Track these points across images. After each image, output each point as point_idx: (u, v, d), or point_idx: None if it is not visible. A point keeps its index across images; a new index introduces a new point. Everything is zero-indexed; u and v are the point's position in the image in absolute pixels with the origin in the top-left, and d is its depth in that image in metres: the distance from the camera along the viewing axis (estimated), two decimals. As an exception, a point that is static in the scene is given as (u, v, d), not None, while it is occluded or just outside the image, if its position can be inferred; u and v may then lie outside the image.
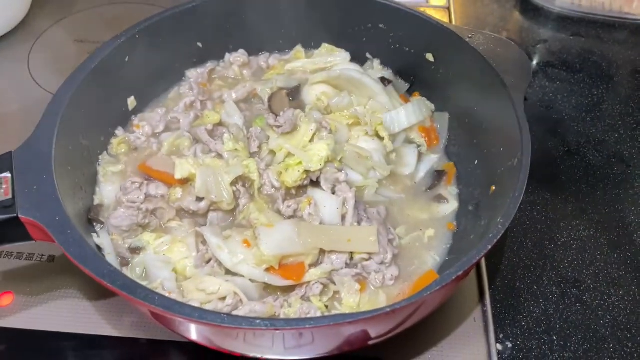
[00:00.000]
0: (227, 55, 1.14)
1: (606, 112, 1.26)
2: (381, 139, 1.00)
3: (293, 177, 0.90)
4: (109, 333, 0.89)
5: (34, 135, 0.83)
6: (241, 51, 1.15)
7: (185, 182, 0.91)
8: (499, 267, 0.98)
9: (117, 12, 1.48)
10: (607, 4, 1.51)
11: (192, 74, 1.11)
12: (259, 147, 0.99)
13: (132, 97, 1.04)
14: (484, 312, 0.91)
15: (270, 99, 1.03)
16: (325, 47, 1.15)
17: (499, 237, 0.71)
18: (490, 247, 0.70)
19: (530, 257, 1.00)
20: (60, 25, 1.45)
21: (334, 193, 0.91)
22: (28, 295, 0.92)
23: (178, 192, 0.91)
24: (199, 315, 0.64)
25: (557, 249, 1.01)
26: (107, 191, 0.94)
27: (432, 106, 1.07)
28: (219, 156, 0.95)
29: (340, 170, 0.93)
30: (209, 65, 1.14)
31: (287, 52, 1.18)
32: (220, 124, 1.03)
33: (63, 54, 1.37)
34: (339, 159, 0.95)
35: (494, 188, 0.89)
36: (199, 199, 0.88)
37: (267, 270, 0.81)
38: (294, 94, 1.05)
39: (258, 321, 0.63)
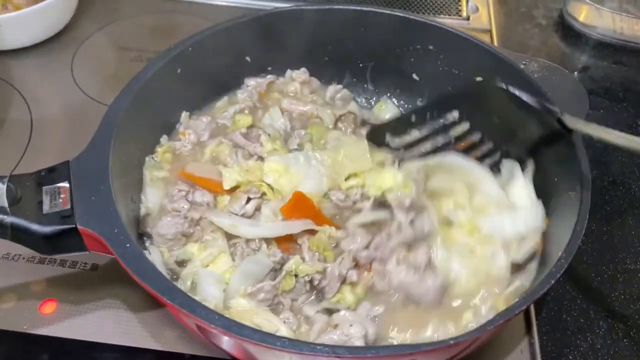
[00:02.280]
0: (289, 71, 1.15)
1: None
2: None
3: None
4: (151, 346, 0.88)
5: (90, 145, 0.83)
6: (303, 69, 1.14)
7: (233, 189, 0.91)
8: (545, 299, 0.96)
9: (161, 21, 1.49)
10: (650, 34, 1.51)
11: (252, 82, 1.12)
12: (299, 144, 1.00)
13: (185, 112, 1.05)
14: (531, 344, 0.90)
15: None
16: None
17: (561, 272, 0.70)
18: (553, 282, 0.69)
19: (576, 290, 0.99)
20: (104, 31, 1.46)
21: None
22: (71, 304, 0.92)
23: (225, 198, 0.91)
24: (260, 337, 0.63)
25: (603, 282, 1.00)
26: (152, 196, 0.93)
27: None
28: (260, 159, 0.96)
29: None
30: (270, 77, 1.14)
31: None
32: (253, 125, 1.03)
33: (106, 60, 1.38)
34: None
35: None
36: (247, 201, 0.89)
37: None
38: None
39: (319, 347, 0.62)
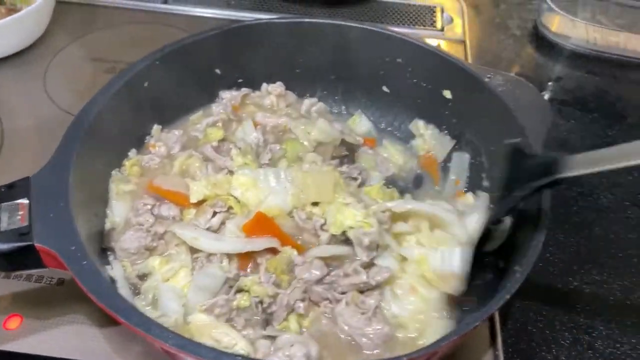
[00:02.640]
0: (265, 84, 1.15)
1: (620, 154, 1.26)
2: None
3: None
4: (115, 362, 0.88)
5: (52, 160, 0.83)
6: (279, 83, 1.15)
7: (199, 203, 0.91)
8: (510, 310, 0.97)
9: (135, 32, 1.49)
10: (622, 44, 1.52)
11: (226, 95, 1.12)
12: (271, 160, 1.00)
13: (157, 126, 1.05)
14: (496, 357, 0.90)
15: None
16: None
17: (517, 286, 0.71)
18: (508, 296, 0.70)
19: (542, 300, 0.99)
20: (78, 42, 1.45)
21: None
22: (36, 319, 0.91)
23: (190, 212, 0.91)
24: (215, 356, 0.63)
25: (569, 293, 1.01)
26: (118, 210, 0.93)
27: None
28: (230, 172, 0.95)
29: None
30: (244, 90, 1.14)
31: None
32: (224, 139, 1.03)
33: (80, 72, 1.38)
34: None
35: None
36: (213, 215, 0.89)
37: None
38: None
39: None
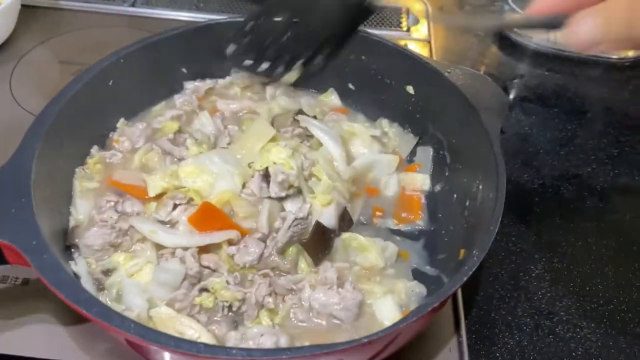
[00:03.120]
0: (229, 76, 1.17)
1: (579, 147, 1.30)
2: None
3: None
4: (82, 359, 0.87)
5: (13, 157, 0.83)
6: (244, 74, 1.16)
7: (159, 196, 0.92)
8: (474, 298, 0.99)
9: (102, 35, 1.49)
10: (581, 42, 1.57)
11: (190, 86, 1.13)
12: (229, 144, 1.01)
13: (122, 119, 1.05)
14: (460, 343, 0.92)
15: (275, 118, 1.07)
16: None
17: (473, 269, 0.73)
18: (465, 279, 0.71)
19: (505, 288, 1.02)
20: (44, 46, 1.45)
21: None
22: (1, 319, 0.90)
23: (153, 206, 0.91)
24: (175, 344, 0.63)
25: (531, 281, 1.03)
26: (82, 208, 0.93)
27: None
28: None
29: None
30: (209, 82, 1.15)
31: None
32: (180, 131, 1.04)
33: (46, 74, 1.37)
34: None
35: (470, 221, 0.91)
36: (174, 208, 0.89)
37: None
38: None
39: (234, 351, 0.63)
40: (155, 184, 0.90)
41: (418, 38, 1.56)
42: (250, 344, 0.76)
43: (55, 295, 0.81)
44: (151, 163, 0.98)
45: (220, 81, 1.17)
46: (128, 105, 1.07)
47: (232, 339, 0.78)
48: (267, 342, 0.76)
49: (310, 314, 0.83)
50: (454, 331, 0.94)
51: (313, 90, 1.21)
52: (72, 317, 0.91)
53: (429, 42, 1.56)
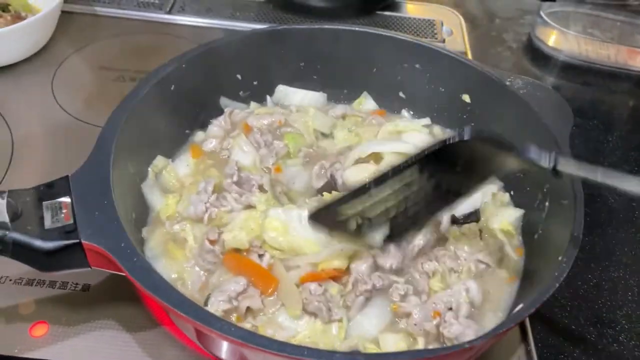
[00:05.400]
0: (253, 103, 1.17)
1: (622, 158, 1.31)
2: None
3: None
4: (150, 366, 0.86)
5: (90, 158, 0.81)
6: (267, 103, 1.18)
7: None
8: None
9: (140, 42, 1.49)
10: (613, 57, 1.59)
11: (217, 122, 1.12)
12: (275, 165, 1.02)
13: (160, 157, 1.01)
14: (528, 352, 0.91)
15: None
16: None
17: (564, 275, 0.73)
18: (557, 284, 0.72)
19: (565, 297, 1.02)
20: (83, 51, 1.44)
21: None
22: (63, 326, 0.88)
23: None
24: (278, 347, 0.62)
25: (590, 290, 1.03)
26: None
27: None
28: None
29: None
30: (253, 106, 1.16)
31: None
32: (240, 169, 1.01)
33: (87, 80, 1.37)
34: None
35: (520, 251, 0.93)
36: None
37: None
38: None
39: (338, 355, 0.62)
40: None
41: (454, 49, 1.57)
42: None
43: (126, 301, 0.82)
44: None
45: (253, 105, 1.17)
46: (183, 115, 1.07)
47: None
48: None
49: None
50: (521, 340, 0.93)
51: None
52: (138, 324, 0.89)
53: (465, 53, 1.57)
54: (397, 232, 0.87)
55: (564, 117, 0.97)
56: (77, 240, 0.71)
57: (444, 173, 0.80)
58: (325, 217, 0.83)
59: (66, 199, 0.75)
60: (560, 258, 0.75)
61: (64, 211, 0.74)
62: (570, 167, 0.77)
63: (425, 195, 0.82)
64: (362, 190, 0.80)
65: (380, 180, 0.79)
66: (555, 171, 0.76)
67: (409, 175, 0.79)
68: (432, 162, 0.77)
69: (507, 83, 1.02)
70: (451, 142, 0.74)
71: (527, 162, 0.76)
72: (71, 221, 0.72)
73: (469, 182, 0.82)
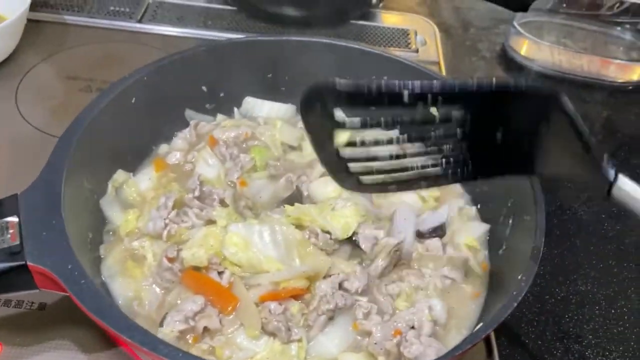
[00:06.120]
0: (220, 115, 1.15)
1: (593, 169, 1.31)
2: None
3: None
4: (105, 389, 0.84)
5: (41, 176, 0.79)
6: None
7: None
8: (503, 322, 0.98)
9: (109, 51, 1.46)
10: (586, 66, 1.59)
11: (181, 134, 1.11)
12: (239, 179, 1.00)
13: (120, 171, 0.99)
14: (493, 368, 0.91)
15: None
16: None
17: (523, 294, 0.72)
18: (516, 304, 0.70)
19: (532, 312, 1.01)
20: (49, 61, 1.41)
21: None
22: (18, 346, 0.86)
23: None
24: (227, 374, 0.61)
25: (557, 304, 1.03)
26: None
27: None
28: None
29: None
30: (219, 118, 1.14)
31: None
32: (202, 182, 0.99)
33: (53, 90, 1.34)
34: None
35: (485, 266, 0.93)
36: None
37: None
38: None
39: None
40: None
41: (427, 59, 1.57)
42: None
43: (83, 321, 0.79)
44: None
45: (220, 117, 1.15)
46: (147, 129, 1.04)
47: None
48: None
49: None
50: (487, 356, 0.92)
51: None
52: (93, 344, 0.87)
53: (438, 62, 1.57)
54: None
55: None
56: (23, 262, 0.69)
57: (480, 135, 0.62)
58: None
59: (14, 219, 0.73)
60: (519, 277, 0.74)
61: (10, 231, 0.71)
62: (628, 188, 0.61)
63: (445, 151, 0.66)
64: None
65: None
66: (609, 190, 0.62)
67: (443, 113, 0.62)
68: (475, 110, 0.60)
69: (473, 96, 1.01)
70: (522, 88, 0.58)
71: (588, 166, 0.61)
72: (17, 242, 0.70)
73: (498, 164, 0.66)
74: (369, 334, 0.82)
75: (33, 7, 1.44)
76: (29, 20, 1.42)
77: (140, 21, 1.56)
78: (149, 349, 0.62)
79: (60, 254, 0.70)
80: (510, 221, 0.91)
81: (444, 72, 1.53)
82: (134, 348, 0.63)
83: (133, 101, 0.98)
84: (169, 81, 1.03)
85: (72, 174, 0.82)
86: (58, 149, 0.82)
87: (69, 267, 0.69)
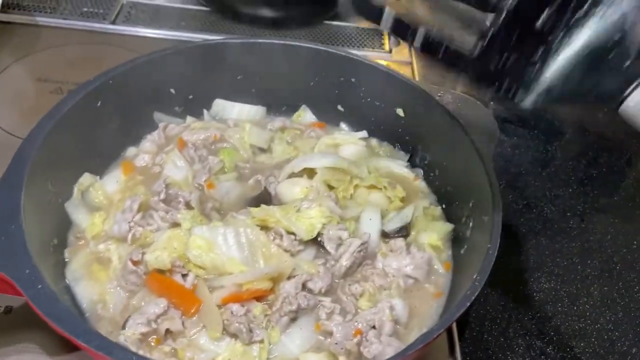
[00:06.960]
0: (189, 118, 1.15)
1: (560, 168, 1.33)
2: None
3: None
4: (69, 391, 0.84)
5: (1, 180, 0.79)
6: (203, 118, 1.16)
7: None
8: (467, 320, 1.00)
9: (82, 53, 1.46)
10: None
11: (150, 137, 1.10)
12: (207, 181, 1.00)
13: (87, 174, 0.99)
14: (455, 366, 0.92)
15: None
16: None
17: (476, 294, 0.73)
18: (468, 304, 0.72)
19: (496, 309, 1.03)
20: (20, 63, 1.41)
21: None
22: (-18, 350, 0.87)
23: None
24: (180, 376, 0.62)
25: (520, 301, 1.05)
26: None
27: None
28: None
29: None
30: (189, 120, 1.14)
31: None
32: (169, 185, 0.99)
33: (24, 92, 1.33)
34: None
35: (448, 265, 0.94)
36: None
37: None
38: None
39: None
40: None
41: (400, 60, 1.58)
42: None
43: (42, 323, 0.79)
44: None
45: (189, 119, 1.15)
46: (115, 131, 1.05)
47: None
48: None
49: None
50: (449, 354, 0.94)
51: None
52: (59, 347, 0.88)
53: (410, 63, 1.58)
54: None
55: (490, 132, 0.98)
56: (-20, 267, 0.69)
57: None
58: None
59: (-28, 224, 0.73)
60: (475, 276, 0.75)
61: (-32, 236, 0.71)
62: None
63: None
64: None
65: None
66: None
67: None
68: None
69: (437, 98, 1.03)
70: None
71: None
72: (-25, 247, 0.71)
73: None
74: (330, 334, 0.83)
75: (4, 9, 1.44)
76: (1, 22, 1.41)
77: (113, 22, 1.56)
78: (105, 353, 0.63)
79: (18, 259, 0.70)
80: (471, 222, 0.92)
81: (416, 73, 1.54)
82: (90, 353, 0.64)
83: (99, 104, 0.98)
84: (136, 84, 1.03)
85: (35, 178, 0.82)
86: (20, 152, 0.83)
87: (27, 271, 0.69)
